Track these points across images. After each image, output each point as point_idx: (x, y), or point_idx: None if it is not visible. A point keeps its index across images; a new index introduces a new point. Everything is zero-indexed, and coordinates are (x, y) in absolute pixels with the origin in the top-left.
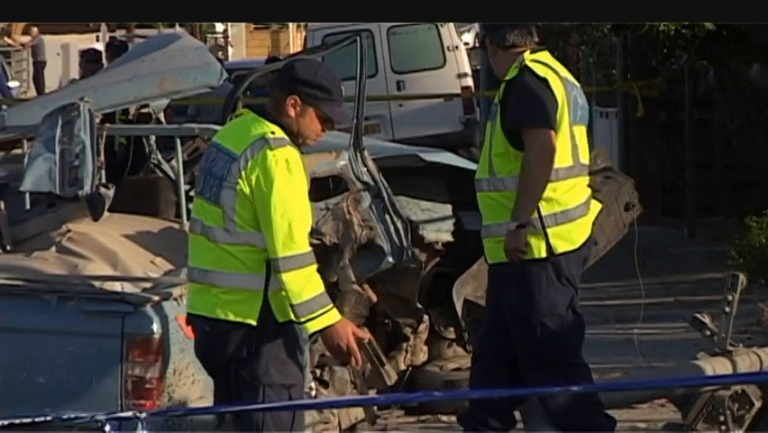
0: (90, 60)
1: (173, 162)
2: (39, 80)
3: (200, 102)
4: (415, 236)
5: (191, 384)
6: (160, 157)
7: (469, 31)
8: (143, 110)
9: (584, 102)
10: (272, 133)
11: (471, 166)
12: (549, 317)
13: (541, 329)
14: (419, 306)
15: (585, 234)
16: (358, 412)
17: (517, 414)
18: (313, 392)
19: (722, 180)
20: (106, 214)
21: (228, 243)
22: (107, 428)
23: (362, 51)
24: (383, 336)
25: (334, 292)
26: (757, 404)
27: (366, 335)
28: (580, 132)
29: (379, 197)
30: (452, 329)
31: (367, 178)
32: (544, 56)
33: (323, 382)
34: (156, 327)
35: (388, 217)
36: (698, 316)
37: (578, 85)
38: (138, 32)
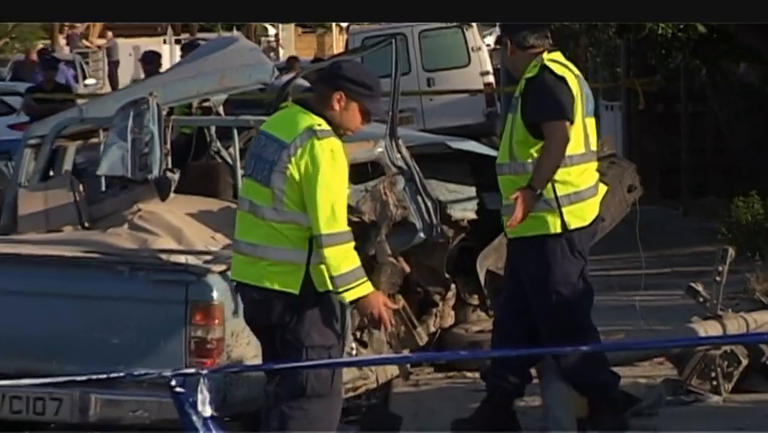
0: (147, 62)
1: (231, 150)
2: (113, 78)
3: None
4: (443, 215)
5: (246, 345)
6: (219, 145)
7: (491, 34)
8: (204, 104)
9: (592, 97)
10: (319, 125)
11: (493, 153)
12: (563, 286)
13: (556, 296)
14: (447, 276)
15: (594, 213)
16: (393, 369)
17: (533, 372)
18: (354, 352)
19: (713, 165)
20: (172, 195)
21: (276, 220)
22: (173, 382)
23: (397, 52)
24: (415, 303)
25: (373, 264)
26: (744, 362)
27: (395, 305)
28: (591, 123)
29: (411, 180)
30: (475, 296)
31: (401, 163)
32: (559, 56)
33: (362, 343)
34: (216, 294)
35: (419, 198)
36: (692, 285)
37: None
38: (200, 35)
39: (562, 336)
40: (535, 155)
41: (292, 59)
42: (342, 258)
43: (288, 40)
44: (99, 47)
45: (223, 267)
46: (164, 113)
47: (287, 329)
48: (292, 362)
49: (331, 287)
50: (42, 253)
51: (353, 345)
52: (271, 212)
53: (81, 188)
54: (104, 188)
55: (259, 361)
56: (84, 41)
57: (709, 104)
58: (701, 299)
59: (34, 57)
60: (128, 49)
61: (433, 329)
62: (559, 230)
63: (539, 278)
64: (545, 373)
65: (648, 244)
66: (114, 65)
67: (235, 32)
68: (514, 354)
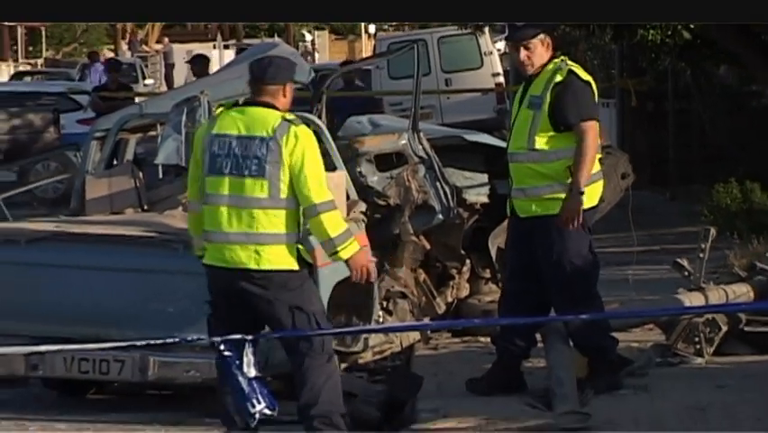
0: (195, 64)
1: None
2: (169, 79)
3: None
4: (459, 199)
5: None
6: None
7: (500, 40)
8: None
9: None
10: (284, 116)
11: (502, 144)
12: (577, 258)
13: (570, 267)
14: (462, 252)
15: (599, 194)
16: (415, 335)
17: (538, 337)
18: (380, 319)
19: (697, 156)
20: None
21: (273, 207)
22: (222, 347)
23: (418, 56)
24: (435, 276)
25: (397, 242)
26: (724, 328)
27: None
28: None
29: (431, 168)
30: (488, 270)
31: (422, 153)
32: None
33: (388, 312)
34: None
35: (438, 184)
36: (678, 260)
37: None
38: (246, 41)
39: (573, 303)
40: (556, 146)
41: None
42: (337, 221)
43: (323, 45)
44: (157, 51)
45: None
46: (213, 109)
47: (291, 300)
48: (304, 326)
49: (326, 249)
50: (107, 233)
51: (380, 313)
52: (267, 201)
53: (141, 175)
54: (161, 176)
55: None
56: (143, 46)
57: (694, 102)
58: (686, 273)
59: (100, 59)
60: (182, 53)
61: (450, 299)
62: None
63: (557, 251)
64: (549, 337)
65: (639, 225)
66: (169, 67)
67: (276, 38)
68: (521, 322)
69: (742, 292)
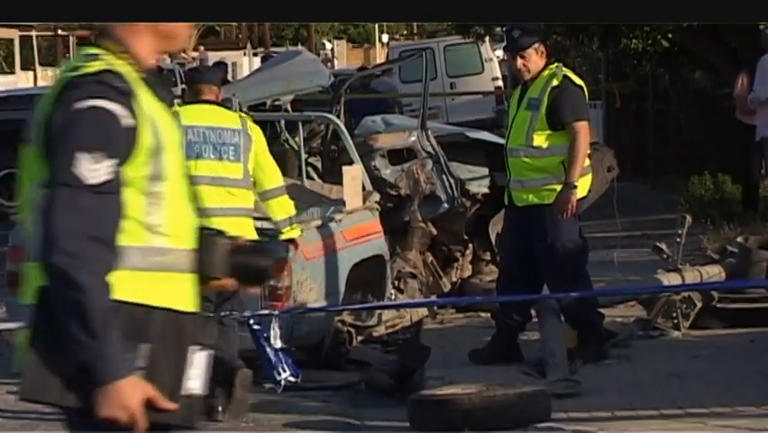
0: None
1: (296, 139)
2: None
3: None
4: (462, 189)
5: (309, 291)
6: (287, 135)
7: (500, 48)
8: (275, 103)
9: None
10: (237, 113)
11: (501, 141)
12: (569, 242)
13: (562, 250)
14: (465, 237)
15: (589, 186)
16: (423, 311)
17: (533, 312)
18: (392, 297)
19: (674, 151)
20: None
21: (243, 187)
22: (251, 321)
23: (426, 62)
24: (441, 258)
25: (407, 228)
26: (699, 305)
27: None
28: None
29: (438, 162)
30: (488, 253)
31: (430, 149)
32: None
33: (399, 290)
34: (286, 252)
35: (444, 176)
36: (657, 244)
37: None
38: (273, 49)
39: (565, 282)
40: (552, 143)
41: None
42: (291, 203)
43: (342, 52)
44: (193, 58)
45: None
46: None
47: None
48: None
49: (283, 226)
50: None
51: (392, 291)
52: (241, 181)
53: None
54: None
55: (318, 304)
56: (181, 54)
57: (672, 104)
58: (665, 256)
59: None
60: (216, 60)
61: (454, 279)
62: None
63: (552, 236)
64: (543, 313)
65: (623, 213)
66: None
67: (300, 46)
68: (518, 299)
69: (714, 273)
